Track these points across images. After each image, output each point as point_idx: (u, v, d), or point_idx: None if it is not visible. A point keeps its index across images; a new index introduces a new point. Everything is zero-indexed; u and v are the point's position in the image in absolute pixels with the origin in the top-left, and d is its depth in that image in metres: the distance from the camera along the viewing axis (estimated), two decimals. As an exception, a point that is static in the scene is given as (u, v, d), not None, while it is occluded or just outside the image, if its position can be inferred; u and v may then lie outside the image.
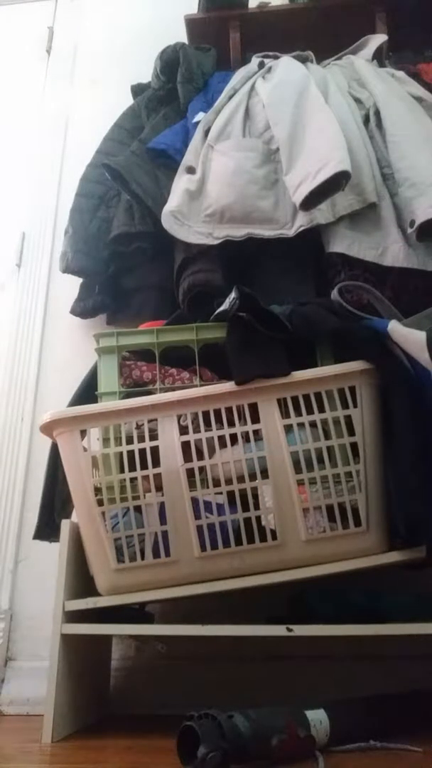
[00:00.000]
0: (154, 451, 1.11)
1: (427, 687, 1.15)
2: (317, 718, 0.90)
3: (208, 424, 1.11)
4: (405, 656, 1.28)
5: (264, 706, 0.90)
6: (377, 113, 1.49)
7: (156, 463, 1.10)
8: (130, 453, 1.12)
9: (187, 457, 1.11)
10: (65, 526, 1.18)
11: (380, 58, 1.72)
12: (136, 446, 1.11)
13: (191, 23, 1.89)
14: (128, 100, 1.89)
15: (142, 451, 1.11)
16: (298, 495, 1.08)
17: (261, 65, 1.66)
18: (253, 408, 1.12)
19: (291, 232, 1.42)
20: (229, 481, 1.10)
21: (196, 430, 1.11)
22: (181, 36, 1.89)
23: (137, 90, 1.91)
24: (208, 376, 1.25)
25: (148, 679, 1.40)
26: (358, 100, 1.55)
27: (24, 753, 1.04)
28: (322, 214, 1.39)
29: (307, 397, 1.11)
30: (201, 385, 1.19)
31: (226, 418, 1.13)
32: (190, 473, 1.10)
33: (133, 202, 1.58)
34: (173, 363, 1.26)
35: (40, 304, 1.90)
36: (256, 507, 1.09)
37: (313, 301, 1.29)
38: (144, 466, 1.11)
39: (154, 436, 1.12)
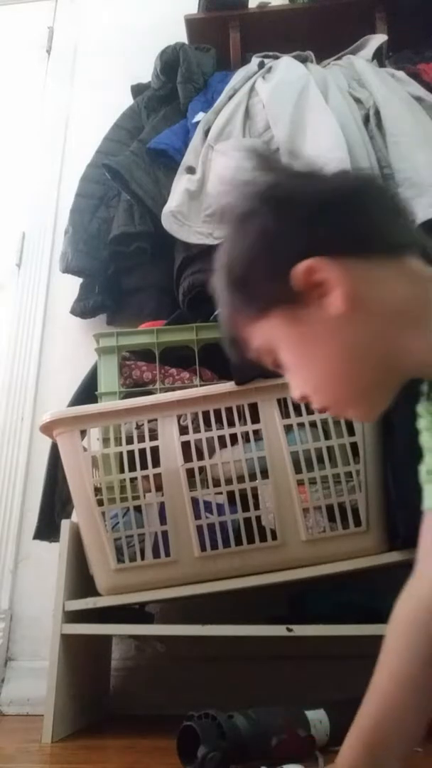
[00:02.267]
0: (154, 451, 1.11)
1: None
2: (317, 718, 0.90)
3: (208, 424, 1.11)
4: (405, 656, 1.28)
5: (264, 706, 0.90)
6: (377, 113, 1.49)
7: (156, 463, 1.10)
8: (130, 453, 1.12)
9: (187, 457, 1.11)
10: (65, 526, 1.18)
11: (380, 58, 1.72)
12: (136, 446, 1.12)
13: (191, 23, 1.88)
14: (128, 100, 1.89)
15: (142, 451, 1.11)
16: (298, 495, 1.08)
17: (261, 65, 1.66)
18: (253, 408, 1.12)
19: (291, 232, 1.41)
20: (229, 481, 1.10)
21: (196, 430, 1.11)
22: (181, 36, 1.89)
23: (137, 90, 1.91)
24: (208, 376, 1.25)
25: (148, 679, 1.40)
26: (358, 101, 1.55)
27: (24, 753, 1.04)
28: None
29: (307, 397, 1.11)
30: (201, 385, 1.19)
31: (226, 418, 1.13)
32: (190, 473, 1.10)
33: (133, 202, 1.58)
34: (173, 363, 1.26)
35: (40, 304, 1.90)
36: (256, 507, 1.09)
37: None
38: (144, 466, 1.11)
39: (154, 436, 1.12)
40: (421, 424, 0.70)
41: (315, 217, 0.59)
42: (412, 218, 0.68)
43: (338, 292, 0.57)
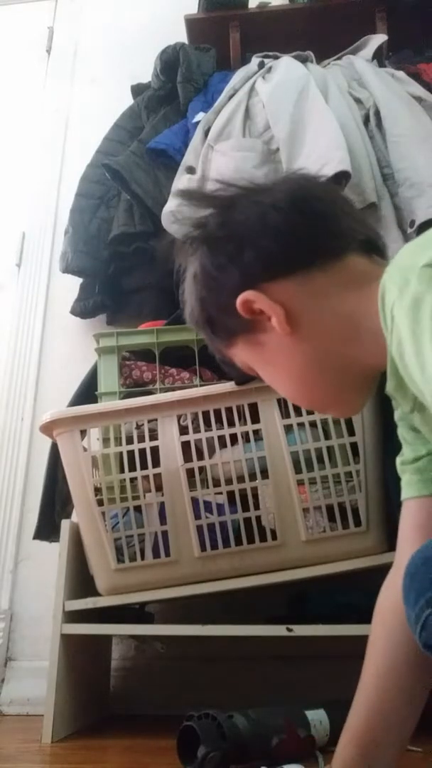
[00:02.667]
0: (154, 451, 1.11)
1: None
2: (317, 718, 0.90)
3: (208, 424, 1.11)
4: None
5: (264, 706, 0.90)
6: (377, 113, 1.49)
7: (156, 463, 1.10)
8: (130, 453, 1.12)
9: (187, 457, 1.11)
10: (65, 526, 1.18)
11: (380, 58, 1.72)
12: (136, 446, 1.12)
13: (191, 23, 1.88)
14: (128, 100, 1.89)
15: (142, 451, 1.11)
16: (298, 495, 1.08)
17: (261, 65, 1.66)
18: (253, 408, 1.12)
19: (291, 232, 1.41)
20: (229, 481, 1.10)
21: (196, 430, 1.11)
22: (181, 36, 1.89)
23: (137, 90, 1.91)
24: (208, 376, 1.25)
25: (148, 679, 1.40)
26: (358, 100, 1.55)
27: (24, 753, 1.04)
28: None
29: (307, 397, 1.11)
30: (201, 385, 1.19)
31: (226, 418, 1.13)
32: (190, 473, 1.10)
33: (133, 202, 1.58)
34: (173, 363, 1.26)
35: (40, 304, 1.90)
36: (256, 507, 1.09)
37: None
38: (144, 466, 1.11)
39: (154, 436, 1.12)
40: (396, 415, 0.71)
41: (241, 250, 0.61)
42: (352, 212, 0.67)
43: (275, 319, 0.60)
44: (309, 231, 0.61)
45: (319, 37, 1.79)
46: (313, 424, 1.11)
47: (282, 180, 0.68)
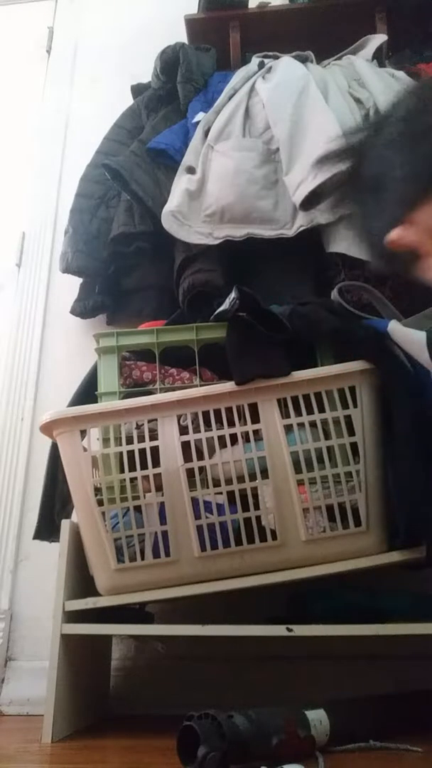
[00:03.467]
0: (154, 451, 1.11)
1: (427, 687, 1.15)
2: (317, 718, 0.90)
3: (208, 424, 1.11)
4: (405, 656, 1.28)
5: (264, 706, 0.90)
6: (377, 113, 1.49)
7: (156, 463, 1.10)
8: (130, 453, 1.12)
9: (187, 457, 1.11)
10: (65, 526, 1.18)
11: (380, 58, 1.72)
12: (136, 446, 1.11)
13: (191, 23, 1.88)
14: (128, 100, 1.89)
15: (142, 451, 1.11)
16: (298, 495, 1.08)
17: (261, 65, 1.66)
18: (253, 408, 1.12)
19: (291, 232, 1.42)
20: (229, 481, 1.10)
21: (196, 430, 1.11)
22: (181, 36, 1.89)
23: (137, 90, 1.91)
24: (208, 376, 1.25)
25: (148, 679, 1.40)
26: (358, 100, 1.55)
27: (24, 753, 1.04)
28: (322, 214, 1.39)
29: (307, 397, 1.11)
30: (201, 385, 1.19)
31: (226, 418, 1.13)
32: (190, 473, 1.10)
33: (133, 202, 1.58)
34: (173, 363, 1.26)
35: (40, 304, 1.90)
36: (256, 507, 1.09)
37: (313, 301, 1.29)
38: (144, 466, 1.11)
39: (154, 436, 1.12)
40: None
41: (382, 193, 0.64)
42: None
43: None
44: None
45: (319, 37, 1.79)
46: (313, 424, 1.11)
47: (395, 104, 0.68)
